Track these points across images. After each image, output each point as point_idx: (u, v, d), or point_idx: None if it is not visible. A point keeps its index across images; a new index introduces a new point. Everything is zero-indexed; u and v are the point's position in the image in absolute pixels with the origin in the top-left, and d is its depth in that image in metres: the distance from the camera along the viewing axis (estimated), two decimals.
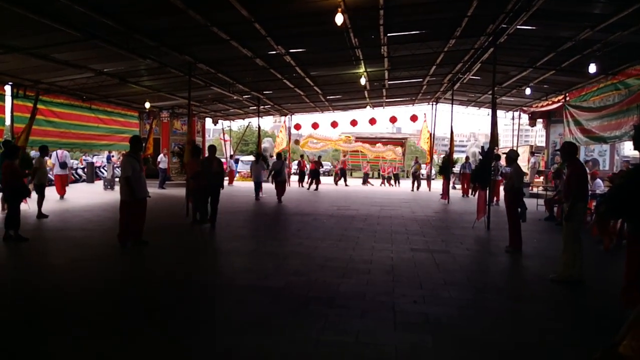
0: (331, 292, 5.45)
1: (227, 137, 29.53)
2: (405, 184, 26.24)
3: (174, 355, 3.79)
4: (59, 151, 16.07)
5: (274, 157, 22.63)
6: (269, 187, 17.28)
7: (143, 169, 8.00)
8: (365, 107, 24.44)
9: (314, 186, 22.52)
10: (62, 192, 15.92)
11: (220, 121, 27.17)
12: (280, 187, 16.01)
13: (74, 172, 23.79)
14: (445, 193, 17.65)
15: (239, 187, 23.02)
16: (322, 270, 6.52)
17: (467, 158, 21.47)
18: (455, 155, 19.43)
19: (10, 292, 5.59)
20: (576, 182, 6.21)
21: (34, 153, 13.96)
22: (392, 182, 27.57)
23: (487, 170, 10.47)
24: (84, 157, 26.66)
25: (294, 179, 25.37)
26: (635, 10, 8.63)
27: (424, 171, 27.53)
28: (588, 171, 8.49)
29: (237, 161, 28.53)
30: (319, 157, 26.07)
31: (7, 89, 13.73)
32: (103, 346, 3.93)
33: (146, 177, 8.32)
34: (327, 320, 4.54)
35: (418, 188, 22.69)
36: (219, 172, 10.33)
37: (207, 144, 30.97)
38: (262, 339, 4.09)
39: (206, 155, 10.87)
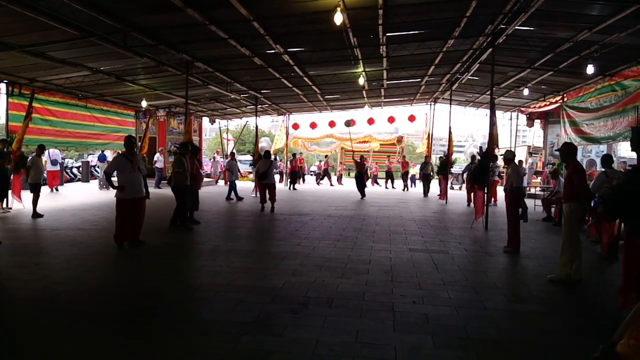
0: (330, 292, 5.43)
1: (230, 136, 29.59)
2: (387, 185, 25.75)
3: (172, 356, 3.75)
4: (50, 149, 16.60)
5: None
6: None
7: (135, 169, 7.84)
8: (363, 106, 24.45)
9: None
10: (53, 185, 17.84)
11: (217, 120, 27.13)
12: (270, 192, 13.27)
13: (69, 171, 23.80)
14: (443, 193, 17.65)
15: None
16: (321, 270, 6.50)
17: (473, 158, 16.85)
18: (453, 156, 19.30)
19: (5, 290, 5.55)
20: (578, 181, 6.21)
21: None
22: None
23: (485, 170, 10.48)
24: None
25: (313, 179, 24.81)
26: (632, 12, 8.68)
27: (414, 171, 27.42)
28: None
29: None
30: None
31: (2, 87, 13.69)
32: (98, 346, 3.91)
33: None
34: (326, 320, 4.52)
35: (427, 193, 19.99)
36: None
37: (204, 144, 31.04)
38: (262, 340, 4.06)
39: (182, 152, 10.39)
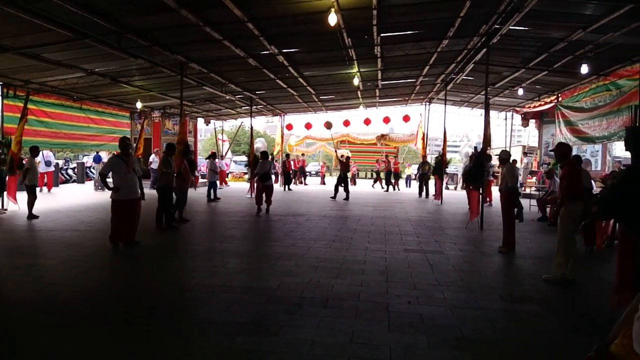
0: (325, 293, 5.43)
1: (224, 137, 29.58)
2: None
3: (169, 357, 3.74)
4: (44, 150, 16.70)
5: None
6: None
7: (130, 170, 7.80)
8: (358, 107, 24.48)
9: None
10: (49, 187, 18.17)
11: (212, 121, 27.11)
12: (268, 193, 12.89)
13: (64, 172, 23.74)
14: (438, 194, 17.66)
15: (233, 187, 22.95)
16: (316, 271, 6.49)
17: (472, 158, 14.18)
18: (448, 156, 19.29)
19: (1, 292, 5.52)
20: (574, 181, 6.23)
21: None
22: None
23: (480, 170, 10.50)
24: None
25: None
26: (626, 12, 8.73)
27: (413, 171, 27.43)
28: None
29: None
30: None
31: None
32: (97, 347, 3.89)
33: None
34: (321, 320, 4.52)
35: (427, 194, 19.24)
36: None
37: (199, 144, 30.99)
38: (257, 340, 4.06)
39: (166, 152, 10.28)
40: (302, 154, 31.24)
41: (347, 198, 17.17)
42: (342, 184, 17.60)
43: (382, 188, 23.39)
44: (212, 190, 16.18)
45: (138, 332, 4.26)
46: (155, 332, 4.26)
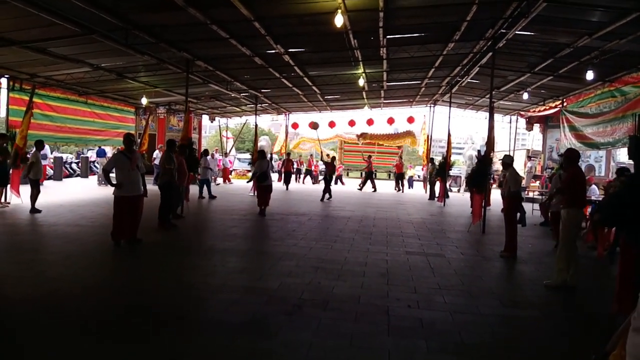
0: (325, 295, 5.43)
1: (229, 134, 29.59)
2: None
3: (167, 356, 3.75)
4: None
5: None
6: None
7: (133, 167, 7.81)
8: (363, 107, 24.49)
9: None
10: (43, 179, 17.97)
11: (217, 118, 27.14)
12: (266, 194, 12.27)
13: (67, 166, 23.82)
14: (441, 196, 17.62)
15: (236, 185, 22.96)
16: (317, 272, 6.50)
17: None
18: (451, 158, 19.23)
19: (1, 286, 5.55)
20: (573, 187, 6.24)
21: None
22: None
23: (483, 174, 10.49)
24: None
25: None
26: (632, 19, 8.71)
27: (419, 173, 27.42)
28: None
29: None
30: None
31: (3, 81, 13.72)
32: (93, 347, 3.91)
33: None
34: (320, 323, 4.52)
35: (432, 197, 18.86)
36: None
37: (203, 141, 31.01)
38: (256, 341, 4.07)
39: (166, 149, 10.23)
40: (287, 154, 31.03)
41: (322, 199, 16.70)
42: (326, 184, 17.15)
43: (397, 189, 23.32)
44: (204, 187, 15.75)
45: (138, 332, 4.26)
46: (155, 331, 4.26)
